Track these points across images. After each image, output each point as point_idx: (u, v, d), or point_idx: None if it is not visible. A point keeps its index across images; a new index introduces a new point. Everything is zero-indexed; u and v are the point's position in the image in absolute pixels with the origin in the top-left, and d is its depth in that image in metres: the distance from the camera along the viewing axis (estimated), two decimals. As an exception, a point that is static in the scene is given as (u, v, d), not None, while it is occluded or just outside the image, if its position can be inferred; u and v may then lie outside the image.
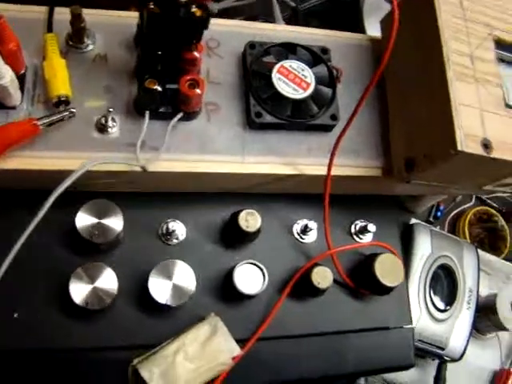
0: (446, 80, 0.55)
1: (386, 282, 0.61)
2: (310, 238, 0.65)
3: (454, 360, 0.83)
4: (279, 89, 0.59)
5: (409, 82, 0.61)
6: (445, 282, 0.85)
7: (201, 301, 0.59)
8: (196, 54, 0.55)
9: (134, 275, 0.58)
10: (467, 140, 0.53)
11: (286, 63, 0.61)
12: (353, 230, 0.67)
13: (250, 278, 0.59)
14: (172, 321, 0.58)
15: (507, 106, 0.58)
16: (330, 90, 0.62)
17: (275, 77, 0.59)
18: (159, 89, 0.54)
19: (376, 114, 0.65)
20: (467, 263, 0.87)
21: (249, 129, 0.60)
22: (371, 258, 0.62)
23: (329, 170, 0.57)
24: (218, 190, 0.63)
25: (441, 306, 0.83)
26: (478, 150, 0.54)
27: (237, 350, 0.57)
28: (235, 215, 0.60)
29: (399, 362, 0.65)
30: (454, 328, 0.82)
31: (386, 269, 0.61)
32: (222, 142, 0.59)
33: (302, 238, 0.65)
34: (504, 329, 0.86)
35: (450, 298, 0.84)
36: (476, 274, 0.87)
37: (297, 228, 0.65)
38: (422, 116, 0.58)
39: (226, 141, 0.59)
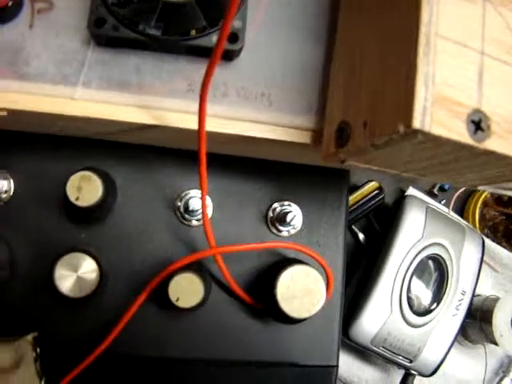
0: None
1: (291, 310, 0.36)
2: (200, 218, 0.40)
3: (423, 375, 0.59)
4: (143, -21, 0.32)
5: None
6: (432, 278, 0.59)
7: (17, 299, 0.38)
8: None
9: None
10: (438, 108, 0.26)
11: None
12: (270, 216, 0.41)
13: (79, 276, 0.36)
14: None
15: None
16: (234, -11, 0.34)
17: (141, -43, 0.32)
18: None
19: (320, 46, 0.36)
20: (466, 258, 0.59)
21: (93, 45, 0.34)
22: (277, 270, 0.37)
23: (200, 123, 0.31)
24: (66, 133, 0.39)
25: (420, 307, 0.58)
26: (458, 133, 0.26)
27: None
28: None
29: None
30: (430, 337, 0.57)
31: (294, 290, 0.36)
32: (47, 64, 0.34)
33: (185, 219, 0.40)
34: (496, 344, 0.60)
35: (435, 298, 0.58)
36: (475, 273, 0.59)
37: (179, 203, 0.40)
38: (373, 54, 0.30)
39: (52, 62, 0.34)
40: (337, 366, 0.41)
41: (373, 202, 0.62)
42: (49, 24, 0.34)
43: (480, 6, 0.28)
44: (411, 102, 0.25)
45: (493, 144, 0.27)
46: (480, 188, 0.35)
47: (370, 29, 0.31)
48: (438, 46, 0.26)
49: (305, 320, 0.37)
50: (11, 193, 0.39)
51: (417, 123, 0.25)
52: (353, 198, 0.61)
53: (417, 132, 0.25)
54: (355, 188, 0.62)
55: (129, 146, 0.39)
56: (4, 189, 0.39)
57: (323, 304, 0.37)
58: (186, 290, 0.35)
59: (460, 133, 0.26)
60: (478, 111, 0.27)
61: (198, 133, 0.32)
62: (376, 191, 0.62)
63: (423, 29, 0.26)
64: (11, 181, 0.39)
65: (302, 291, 0.36)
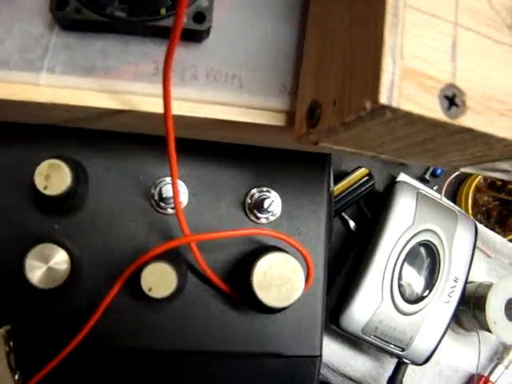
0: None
1: (267, 299, 0.35)
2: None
3: (415, 364, 0.58)
4: (105, -42, 0.31)
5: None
6: (423, 265, 0.57)
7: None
8: None
9: None
10: (407, 82, 0.24)
11: None
12: (248, 202, 0.40)
13: (50, 266, 0.35)
14: None
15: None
16: (201, -35, 0.32)
17: None
18: None
19: (293, 26, 0.34)
20: (459, 244, 0.58)
21: (59, 29, 0.33)
22: (254, 257, 0.36)
23: (166, 105, 0.30)
24: (35, 121, 0.37)
25: (411, 294, 0.56)
26: (430, 109, 0.24)
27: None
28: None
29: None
30: (422, 325, 0.56)
31: (271, 278, 0.35)
32: (11, 50, 0.32)
33: (161, 207, 0.38)
34: (489, 332, 0.58)
35: (427, 286, 0.57)
36: (468, 260, 0.58)
37: (154, 191, 0.39)
38: (343, 29, 0.28)
39: (17, 48, 0.32)
40: (320, 356, 0.40)
41: (363, 188, 0.61)
42: (11, 9, 0.33)
43: (454, -24, 0.27)
44: (378, 77, 0.24)
45: (468, 120, 0.25)
46: (463, 170, 0.34)
47: (340, 5, 0.29)
48: (407, 16, 0.25)
49: (282, 310, 0.35)
50: (-18, 182, 0.38)
51: (384, 98, 0.23)
52: (342, 184, 0.60)
53: (384, 108, 0.24)
54: (344, 175, 0.60)
55: (101, 133, 0.37)
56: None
57: (302, 293, 0.35)
58: (159, 279, 0.34)
59: (432, 109, 0.24)
60: (451, 86, 0.25)
61: (164, 116, 0.30)
62: (366, 177, 0.60)
63: (391, 3, 0.25)
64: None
65: (280, 279, 0.35)
